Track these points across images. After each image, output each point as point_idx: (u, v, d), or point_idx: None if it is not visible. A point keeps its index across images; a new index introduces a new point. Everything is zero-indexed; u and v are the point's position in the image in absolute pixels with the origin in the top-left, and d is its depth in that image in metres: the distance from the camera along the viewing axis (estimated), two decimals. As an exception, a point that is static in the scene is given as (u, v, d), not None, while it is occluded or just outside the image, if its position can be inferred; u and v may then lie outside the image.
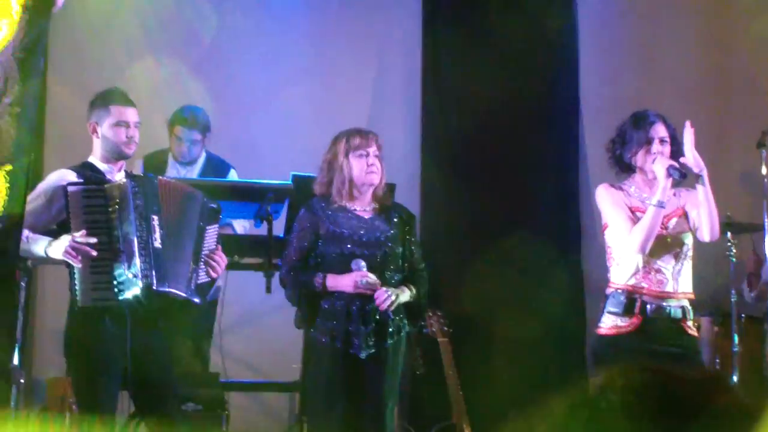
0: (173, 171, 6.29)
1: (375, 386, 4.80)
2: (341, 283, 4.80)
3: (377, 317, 4.80)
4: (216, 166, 6.34)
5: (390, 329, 4.84)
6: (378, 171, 4.91)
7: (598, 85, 7.60)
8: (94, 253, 4.37)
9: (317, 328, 4.85)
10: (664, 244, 4.75)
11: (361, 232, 4.88)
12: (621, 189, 4.86)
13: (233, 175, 6.31)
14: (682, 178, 4.73)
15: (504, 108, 7.36)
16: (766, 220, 5.74)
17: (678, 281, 4.76)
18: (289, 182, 5.65)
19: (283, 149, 7.05)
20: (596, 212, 6.71)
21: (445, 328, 5.96)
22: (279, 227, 5.61)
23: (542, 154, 7.56)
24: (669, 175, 4.69)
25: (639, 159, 4.80)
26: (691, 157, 4.73)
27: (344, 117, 6.21)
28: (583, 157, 7.51)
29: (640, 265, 4.73)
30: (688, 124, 4.72)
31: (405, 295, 4.88)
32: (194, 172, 6.21)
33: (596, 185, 4.99)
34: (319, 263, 4.87)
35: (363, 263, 4.79)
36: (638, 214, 4.77)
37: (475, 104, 7.41)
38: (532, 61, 7.53)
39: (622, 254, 4.77)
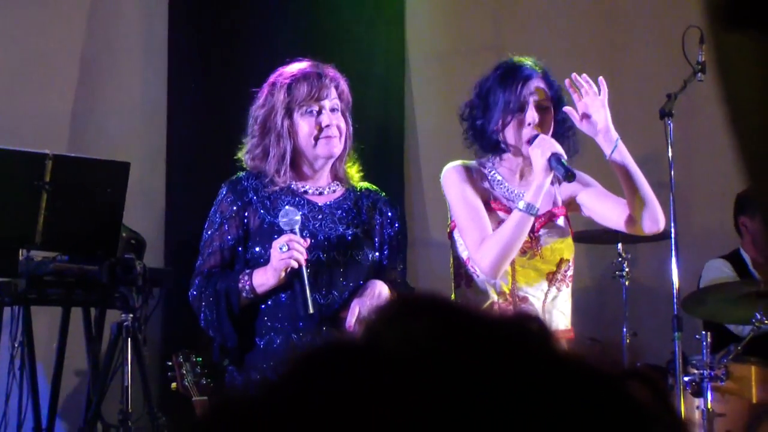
0: None
1: None
2: (269, 273, 3.30)
3: None
4: None
5: None
6: (339, 133, 3.42)
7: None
8: None
9: (245, 370, 3.40)
10: (533, 261, 3.47)
11: (315, 225, 3.42)
12: (480, 173, 3.50)
13: None
14: (567, 180, 3.33)
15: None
16: (672, 226, 3.77)
17: (552, 315, 3.45)
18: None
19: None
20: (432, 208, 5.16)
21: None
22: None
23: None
24: (550, 168, 3.33)
25: (509, 134, 3.43)
26: (602, 119, 3.41)
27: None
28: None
29: (498, 289, 3.41)
30: (601, 80, 3.41)
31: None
32: None
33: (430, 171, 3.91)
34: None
35: (296, 215, 3.33)
36: (500, 214, 3.45)
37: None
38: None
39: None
